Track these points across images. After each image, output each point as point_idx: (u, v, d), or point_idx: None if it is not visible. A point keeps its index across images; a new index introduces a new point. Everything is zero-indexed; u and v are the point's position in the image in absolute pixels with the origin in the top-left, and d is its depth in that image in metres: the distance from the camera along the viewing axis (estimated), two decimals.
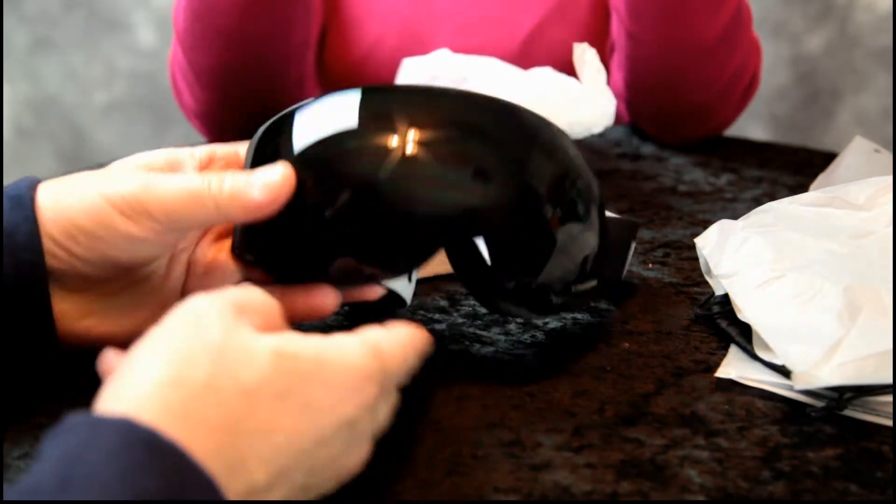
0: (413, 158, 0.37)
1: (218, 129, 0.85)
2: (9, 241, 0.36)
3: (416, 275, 0.45)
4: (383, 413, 0.34)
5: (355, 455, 0.32)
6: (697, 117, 0.82)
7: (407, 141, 0.37)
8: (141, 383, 0.28)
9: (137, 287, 0.41)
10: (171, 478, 0.25)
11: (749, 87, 0.83)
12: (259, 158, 0.40)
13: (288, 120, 0.40)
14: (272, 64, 0.80)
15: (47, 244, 0.37)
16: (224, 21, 0.76)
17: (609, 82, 0.84)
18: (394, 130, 0.37)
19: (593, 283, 0.43)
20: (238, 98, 0.81)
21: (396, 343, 0.34)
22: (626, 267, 0.50)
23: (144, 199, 0.36)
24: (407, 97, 0.41)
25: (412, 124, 0.37)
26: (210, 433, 0.27)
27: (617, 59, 0.84)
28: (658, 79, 0.80)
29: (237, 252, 0.41)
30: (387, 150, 0.37)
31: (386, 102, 0.39)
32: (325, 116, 0.39)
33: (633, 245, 0.50)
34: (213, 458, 0.27)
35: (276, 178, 0.37)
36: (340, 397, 0.30)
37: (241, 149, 0.43)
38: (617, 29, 0.82)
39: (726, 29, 0.76)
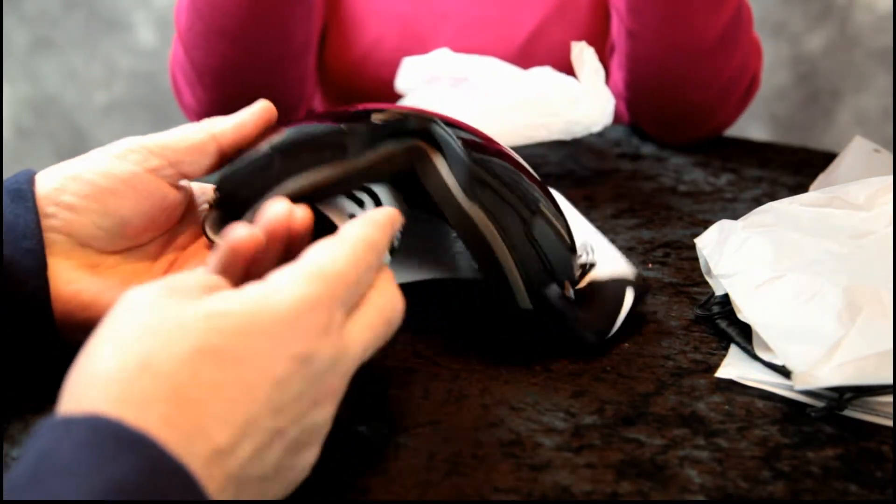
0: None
1: None
2: (9, 231, 0.38)
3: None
4: (358, 328, 0.33)
5: (329, 382, 0.31)
6: (697, 117, 0.82)
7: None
8: (88, 382, 0.28)
9: (127, 270, 0.42)
10: (139, 464, 0.25)
11: (749, 88, 0.83)
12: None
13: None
14: (273, 63, 0.80)
15: (42, 205, 0.39)
16: (226, 21, 0.76)
17: (609, 82, 0.85)
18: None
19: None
20: (239, 98, 0.80)
21: (345, 256, 0.33)
22: (618, 322, 0.45)
23: (142, 140, 0.41)
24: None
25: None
26: (153, 407, 0.27)
27: (617, 59, 0.84)
28: (658, 78, 0.80)
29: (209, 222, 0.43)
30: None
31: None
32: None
33: (632, 297, 0.46)
34: (164, 431, 0.26)
35: (260, 103, 0.43)
36: (281, 336, 0.30)
37: None
38: (617, 28, 0.82)
39: (726, 29, 0.76)
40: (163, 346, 0.28)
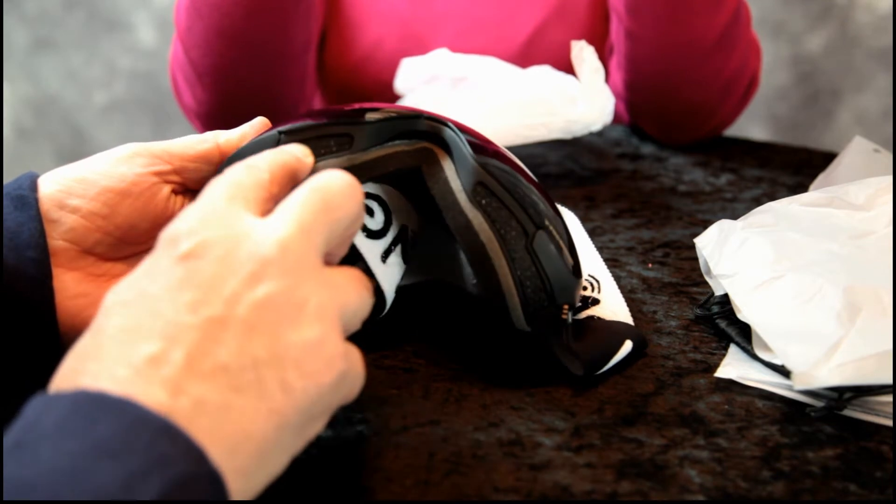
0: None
1: (218, 129, 0.84)
2: (13, 240, 0.37)
3: (395, 281, 0.45)
4: (278, 212, 0.31)
5: (246, 257, 0.29)
6: (697, 117, 0.82)
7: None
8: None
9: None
10: (122, 421, 0.25)
11: (749, 88, 0.83)
12: None
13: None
14: (273, 64, 0.80)
15: (47, 209, 0.38)
16: (226, 21, 0.76)
17: (608, 83, 0.85)
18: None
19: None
20: (239, 98, 0.81)
21: None
22: (610, 364, 0.43)
23: (147, 145, 0.41)
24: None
25: None
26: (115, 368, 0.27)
27: (616, 60, 0.85)
28: (657, 78, 0.80)
29: None
30: None
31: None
32: None
33: (629, 348, 0.43)
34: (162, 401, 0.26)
35: (258, 119, 0.45)
36: (155, 254, 0.30)
37: None
38: (616, 28, 0.82)
39: (725, 29, 0.76)
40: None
